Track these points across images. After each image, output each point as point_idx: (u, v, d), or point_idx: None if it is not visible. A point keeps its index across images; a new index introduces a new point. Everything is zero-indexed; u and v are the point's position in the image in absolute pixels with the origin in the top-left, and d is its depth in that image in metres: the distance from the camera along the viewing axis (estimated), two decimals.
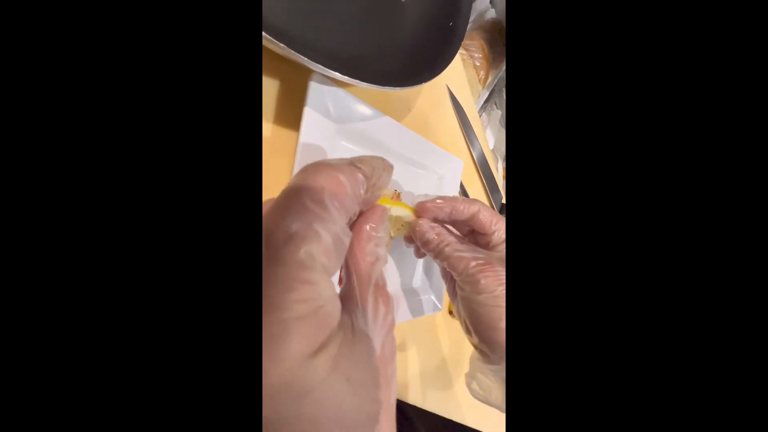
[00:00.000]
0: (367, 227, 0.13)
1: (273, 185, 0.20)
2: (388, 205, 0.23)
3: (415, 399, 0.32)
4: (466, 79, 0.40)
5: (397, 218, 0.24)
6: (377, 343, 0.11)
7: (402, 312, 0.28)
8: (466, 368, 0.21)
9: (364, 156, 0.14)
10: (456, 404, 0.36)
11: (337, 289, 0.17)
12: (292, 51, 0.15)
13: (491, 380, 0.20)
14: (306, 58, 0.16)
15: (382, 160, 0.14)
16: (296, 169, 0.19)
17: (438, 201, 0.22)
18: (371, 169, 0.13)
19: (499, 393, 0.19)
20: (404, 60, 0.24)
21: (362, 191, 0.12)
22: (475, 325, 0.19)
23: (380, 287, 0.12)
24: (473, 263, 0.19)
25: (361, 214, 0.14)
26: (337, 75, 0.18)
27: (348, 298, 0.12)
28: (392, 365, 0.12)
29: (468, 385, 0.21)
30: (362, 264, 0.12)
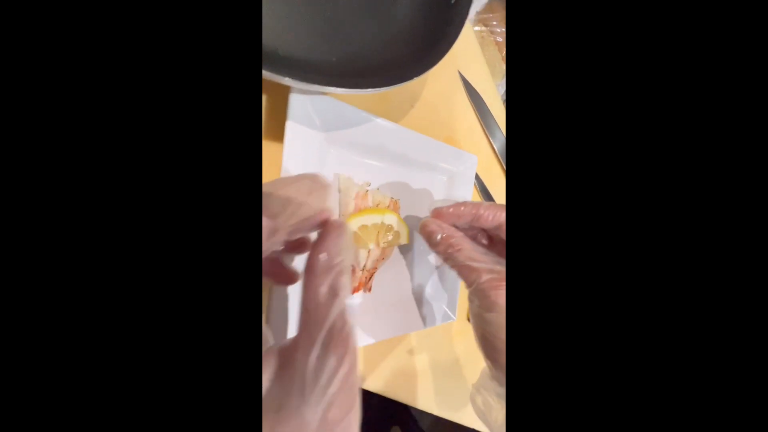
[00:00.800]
0: (322, 257, 0.11)
1: None
2: (377, 215, 0.22)
3: (427, 405, 0.30)
4: (484, 60, 0.35)
5: (388, 227, 0.22)
6: (318, 411, 0.10)
7: (414, 321, 0.27)
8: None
9: (280, 182, 0.12)
10: (471, 412, 0.34)
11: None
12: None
13: (493, 399, 0.18)
14: (272, 73, 0.15)
15: (310, 180, 0.12)
16: None
17: (460, 207, 0.19)
18: (282, 204, 0.11)
19: (498, 415, 0.18)
20: (392, 55, 0.22)
21: (279, 235, 0.11)
22: (481, 342, 0.18)
23: (336, 332, 0.10)
24: (486, 277, 0.17)
25: (318, 237, 0.12)
26: (311, 87, 0.16)
27: (295, 349, 0.10)
28: (341, 428, 0.10)
29: (472, 397, 0.20)
30: (314, 306, 0.10)
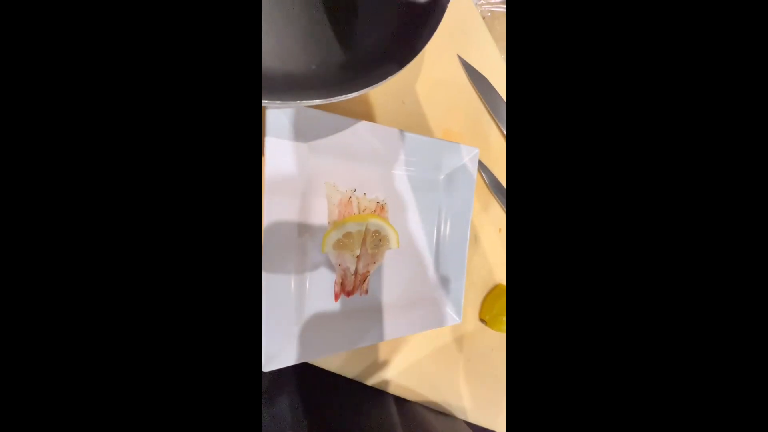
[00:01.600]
0: None
1: None
2: (360, 221, 0.22)
3: (436, 405, 0.30)
4: (492, 39, 0.32)
5: (374, 232, 0.22)
6: None
7: (418, 323, 0.27)
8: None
9: None
10: (489, 412, 0.33)
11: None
12: None
13: None
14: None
15: None
16: (265, 202, 0.20)
17: None
18: None
19: None
20: (366, 53, 0.21)
21: None
22: None
23: None
24: None
25: None
26: (283, 105, 0.17)
27: None
28: None
29: None
30: None
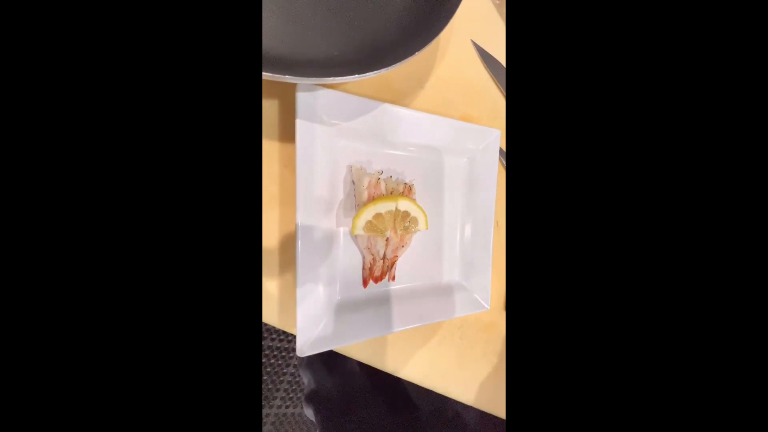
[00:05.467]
0: None
1: (286, 195, 0.22)
2: (390, 201, 0.21)
3: (461, 395, 0.29)
4: (504, 23, 0.32)
5: (404, 213, 0.22)
6: None
7: (444, 310, 0.26)
8: None
9: None
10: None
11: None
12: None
13: None
14: (272, 74, 0.16)
15: None
16: (298, 183, 0.20)
17: None
18: None
19: None
20: (392, 34, 0.21)
21: None
22: None
23: None
24: None
25: None
26: (309, 80, 0.17)
27: None
28: None
29: None
30: None
